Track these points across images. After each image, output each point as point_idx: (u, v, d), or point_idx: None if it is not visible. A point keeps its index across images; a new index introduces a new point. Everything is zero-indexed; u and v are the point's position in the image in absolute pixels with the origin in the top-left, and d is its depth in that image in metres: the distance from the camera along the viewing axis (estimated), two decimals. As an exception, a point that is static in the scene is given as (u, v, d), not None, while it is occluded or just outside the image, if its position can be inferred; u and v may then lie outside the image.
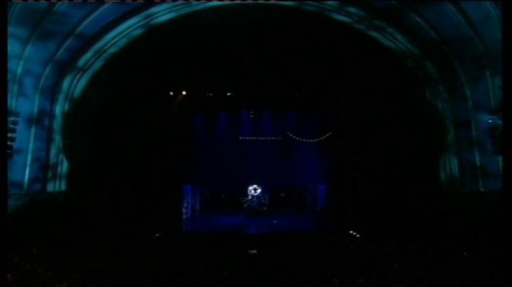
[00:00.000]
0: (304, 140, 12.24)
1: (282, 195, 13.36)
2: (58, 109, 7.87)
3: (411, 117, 8.71)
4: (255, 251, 7.17)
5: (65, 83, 7.90)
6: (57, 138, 8.02)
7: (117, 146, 8.86)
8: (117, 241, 7.52)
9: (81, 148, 8.51)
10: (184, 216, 11.28)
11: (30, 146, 7.25)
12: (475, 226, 6.91)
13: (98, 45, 7.81)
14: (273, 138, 12.46)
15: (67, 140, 8.17)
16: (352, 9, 7.59)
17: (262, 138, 12.38)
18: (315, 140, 11.99)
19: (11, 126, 6.59)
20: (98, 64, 8.16)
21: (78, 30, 7.21)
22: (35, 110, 7.34)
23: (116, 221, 8.42)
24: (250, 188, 12.64)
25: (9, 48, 5.45)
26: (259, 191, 12.66)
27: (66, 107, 8.09)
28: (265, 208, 12.34)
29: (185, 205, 11.54)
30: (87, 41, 7.58)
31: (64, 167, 8.24)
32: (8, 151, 6.50)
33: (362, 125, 9.83)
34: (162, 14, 7.60)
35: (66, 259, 5.77)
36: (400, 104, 8.92)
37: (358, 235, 9.00)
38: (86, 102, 8.35)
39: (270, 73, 9.57)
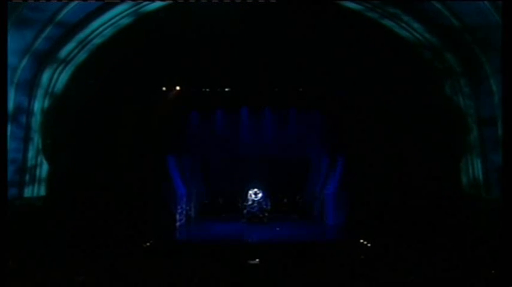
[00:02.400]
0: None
1: (285, 200, 13.21)
2: (37, 105, 7.69)
3: (428, 115, 8.49)
4: (257, 261, 7.07)
5: (45, 77, 7.72)
6: (36, 138, 7.86)
7: (103, 146, 8.73)
8: (104, 251, 7.34)
9: (63, 148, 8.33)
10: (178, 223, 11.12)
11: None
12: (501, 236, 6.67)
13: (81, 35, 7.62)
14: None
15: (47, 140, 8.02)
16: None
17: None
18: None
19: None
20: (82, 56, 7.99)
21: (59, 17, 6.99)
22: (11, 106, 7.12)
23: (102, 229, 8.27)
24: (251, 192, 12.47)
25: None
26: (260, 195, 12.47)
27: (46, 103, 7.92)
28: (266, 214, 12.13)
29: (179, 211, 11.35)
30: (70, 30, 7.39)
31: (44, 169, 8.07)
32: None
33: (372, 124, 9.72)
34: (152, 0, 7.43)
35: (45, 273, 5.63)
36: (416, 100, 8.71)
37: (369, 245, 8.82)
38: (68, 98, 8.19)
39: (272, 66, 9.40)
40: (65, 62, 7.94)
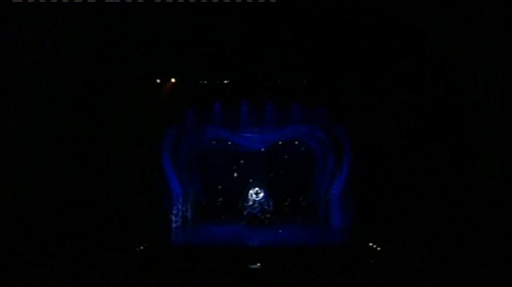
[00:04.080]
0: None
1: (288, 201, 13.25)
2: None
3: (442, 110, 8.39)
4: (258, 265, 7.12)
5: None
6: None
7: (90, 141, 8.64)
8: (93, 256, 7.27)
9: (45, 143, 8.20)
10: (173, 225, 11.11)
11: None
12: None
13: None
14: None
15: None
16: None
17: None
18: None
19: None
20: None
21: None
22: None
23: (90, 232, 8.20)
24: (251, 192, 12.45)
25: None
26: (261, 195, 12.46)
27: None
28: (268, 216, 12.12)
29: (175, 212, 11.32)
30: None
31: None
32: None
33: (383, 119, 9.66)
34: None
35: (28, 282, 5.58)
36: (428, 93, 8.59)
37: (379, 248, 8.80)
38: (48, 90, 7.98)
39: (274, 56, 9.32)
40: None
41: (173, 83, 10.34)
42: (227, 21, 8.11)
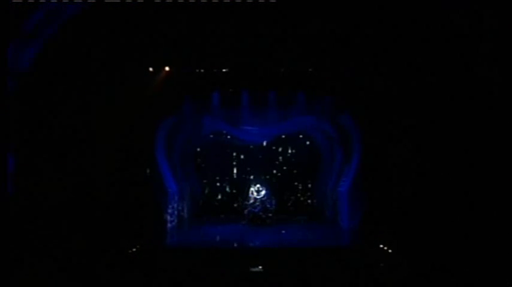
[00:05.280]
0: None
1: (292, 199, 13.24)
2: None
3: (467, 96, 8.21)
4: (259, 268, 7.14)
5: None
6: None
7: (79, 134, 8.63)
8: (83, 258, 7.29)
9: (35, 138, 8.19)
10: (169, 225, 11.11)
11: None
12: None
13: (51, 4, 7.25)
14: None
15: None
16: None
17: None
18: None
19: None
20: (51, 30, 7.62)
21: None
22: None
23: (79, 232, 8.06)
24: (252, 189, 12.47)
25: None
26: (263, 192, 12.46)
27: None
28: (270, 215, 12.11)
29: (170, 210, 11.31)
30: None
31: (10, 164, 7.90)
32: None
33: (395, 110, 9.59)
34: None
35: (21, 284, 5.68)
36: (452, 78, 8.38)
37: (390, 251, 8.81)
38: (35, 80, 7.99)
39: (277, 43, 9.14)
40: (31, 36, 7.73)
41: (167, 71, 10.22)
42: (226, 4, 8.06)
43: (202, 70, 10.46)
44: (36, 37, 7.71)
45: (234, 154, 13.29)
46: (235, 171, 13.33)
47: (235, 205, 13.19)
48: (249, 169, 13.21)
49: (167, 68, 10.23)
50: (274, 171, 13.32)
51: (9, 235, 4.76)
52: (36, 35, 7.68)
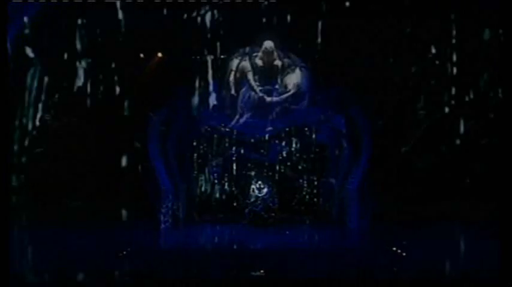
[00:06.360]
0: None
1: (297, 197, 13.21)
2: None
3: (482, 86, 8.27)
4: (261, 272, 7.02)
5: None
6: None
7: (65, 128, 8.72)
8: (70, 262, 7.22)
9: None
10: (162, 226, 11.09)
11: None
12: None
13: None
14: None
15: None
16: None
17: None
18: None
19: None
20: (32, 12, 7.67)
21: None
22: None
23: (67, 233, 8.21)
24: (253, 186, 12.50)
25: None
26: (265, 190, 12.44)
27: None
28: (273, 214, 12.06)
29: (164, 210, 11.27)
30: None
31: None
32: None
33: (407, 101, 9.62)
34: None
35: None
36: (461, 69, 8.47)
37: (404, 254, 8.60)
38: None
39: (280, 27, 9.12)
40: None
41: (160, 58, 10.30)
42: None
43: (198, 57, 10.49)
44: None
45: (234, 149, 13.18)
46: (234, 167, 13.25)
47: (234, 204, 13.15)
48: (250, 164, 13.15)
49: (160, 55, 10.29)
50: (277, 167, 13.23)
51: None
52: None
